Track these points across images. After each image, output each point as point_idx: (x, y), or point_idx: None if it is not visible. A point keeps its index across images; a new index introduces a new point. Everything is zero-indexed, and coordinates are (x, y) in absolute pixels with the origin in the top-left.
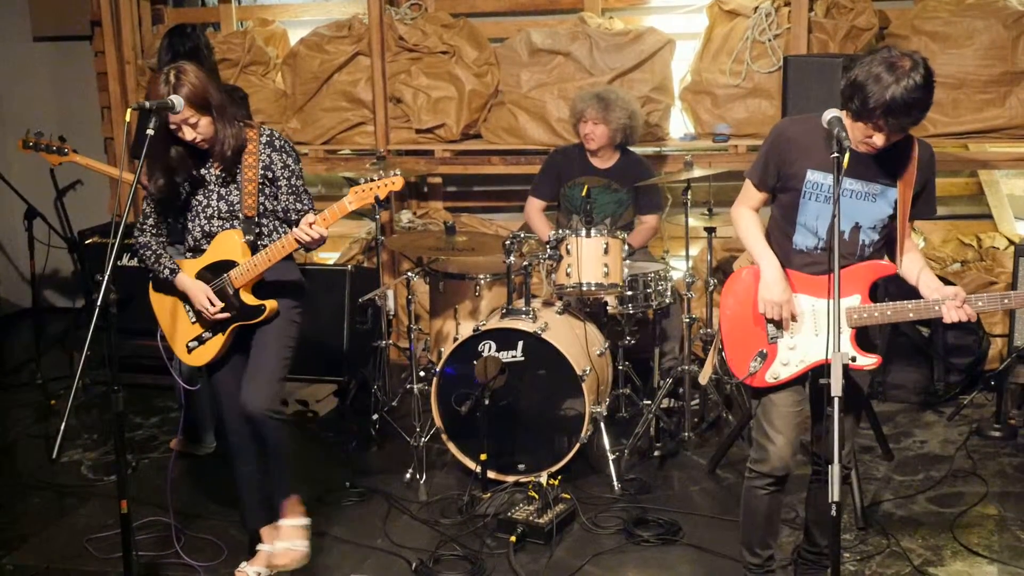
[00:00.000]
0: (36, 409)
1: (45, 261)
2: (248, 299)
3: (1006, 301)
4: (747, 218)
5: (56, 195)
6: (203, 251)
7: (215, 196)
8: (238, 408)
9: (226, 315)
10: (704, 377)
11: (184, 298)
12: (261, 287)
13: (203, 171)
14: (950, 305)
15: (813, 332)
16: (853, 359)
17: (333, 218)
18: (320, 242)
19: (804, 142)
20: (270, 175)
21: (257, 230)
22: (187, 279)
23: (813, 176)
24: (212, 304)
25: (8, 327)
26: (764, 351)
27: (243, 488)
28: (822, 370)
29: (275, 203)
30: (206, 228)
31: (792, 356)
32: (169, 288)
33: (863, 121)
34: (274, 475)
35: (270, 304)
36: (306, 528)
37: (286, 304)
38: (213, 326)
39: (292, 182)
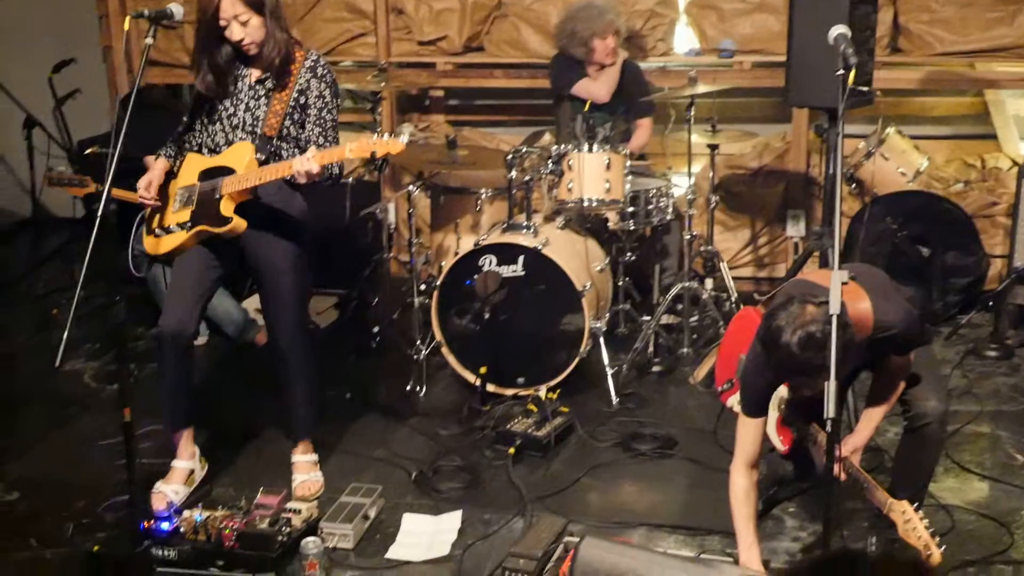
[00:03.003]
0: (37, 319)
1: (45, 170)
2: (224, 208)
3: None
4: (739, 496)
5: (55, 104)
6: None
7: (243, 107)
8: (177, 315)
9: (156, 203)
10: (698, 376)
11: (180, 193)
12: (259, 211)
13: (240, 78)
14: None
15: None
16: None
17: (328, 158)
18: (312, 179)
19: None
20: (303, 100)
21: (272, 150)
22: (161, 162)
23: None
24: (147, 189)
25: (9, 237)
26: (732, 381)
27: (167, 393)
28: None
29: (300, 131)
30: (230, 136)
31: None
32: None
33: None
34: (297, 407)
35: (237, 221)
36: (317, 462)
37: (290, 252)
38: (184, 222)
39: (322, 113)
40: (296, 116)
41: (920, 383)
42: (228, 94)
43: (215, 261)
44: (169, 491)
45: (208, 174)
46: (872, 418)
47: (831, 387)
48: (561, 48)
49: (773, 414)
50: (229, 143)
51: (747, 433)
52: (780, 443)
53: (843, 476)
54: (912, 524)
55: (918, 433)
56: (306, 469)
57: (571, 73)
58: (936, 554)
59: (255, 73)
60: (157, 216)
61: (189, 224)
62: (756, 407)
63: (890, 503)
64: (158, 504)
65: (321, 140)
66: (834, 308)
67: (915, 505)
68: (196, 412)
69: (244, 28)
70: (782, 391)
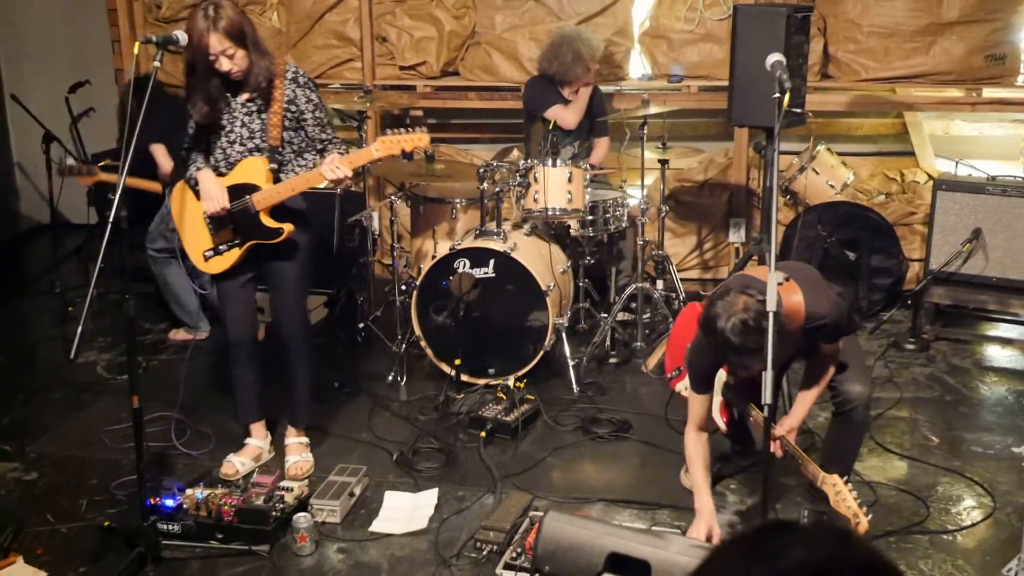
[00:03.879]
0: (55, 314)
1: (62, 181)
2: (268, 221)
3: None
4: (692, 444)
5: (71, 121)
6: (222, 173)
7: (238, 123)
8: (240, 318)
9: (224, 212)
10: (649, 365)
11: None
12: (273, 208)
13: (231, 99)
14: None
15: (718, 393)
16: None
17: (358, 161)
18: (344, 182)
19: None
20: (294, 108)
21: (280, 159)
22: (207, 174)
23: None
24: (217, 201)
25: (30, 240)
26: (680, 368)
27: (239, 388)
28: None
29: (295, 136)
30: (228, 151)
31: None
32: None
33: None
34: (297, 395)
35: (287, 227)
36: (308, 444)
37: (298, 243)
38: (231, 240)
39: (316, 114)
40: (289, 123)
41: (847, 371)
42: (222, 116)
43: (246, 268)
44: (238, 462)
45: (231, 193)
46: (805, 400)
47: (768, 376)
48: (554, 73)
49: (717, 399)
50: (227, 157)
51: (695, 405)
52: (723, 424)
53: (779, 453)
54: (842, 496)
55: (845, 416)
56: (298, 451)
57: (547, 95)
58: (864, 522)
59: (244, 94)
60: (198, 241)
61: (239, 241)
62: (701, 384)
63: (822, 476)
64: (227, 470)
65: (324, 136)
66: (771, 306)
67: (844, 479)
68: (265, 405)
69: (231, 60)
70: (725, 377)
